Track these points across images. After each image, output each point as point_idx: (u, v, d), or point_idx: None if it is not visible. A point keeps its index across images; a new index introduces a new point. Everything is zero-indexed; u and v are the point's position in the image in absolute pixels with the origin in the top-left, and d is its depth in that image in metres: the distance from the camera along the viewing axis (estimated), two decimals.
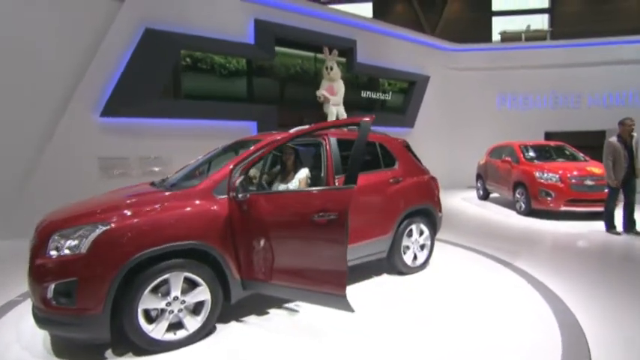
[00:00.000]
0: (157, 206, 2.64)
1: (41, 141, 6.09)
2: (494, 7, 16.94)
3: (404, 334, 2.79)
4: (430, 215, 4.23)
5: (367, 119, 2.70)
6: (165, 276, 2.51)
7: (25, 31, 5.88)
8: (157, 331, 2.52)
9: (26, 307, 3.15)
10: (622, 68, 12.04)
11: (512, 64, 12.57)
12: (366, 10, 16.74)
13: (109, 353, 2.55)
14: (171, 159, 7.07)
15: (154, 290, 2.50)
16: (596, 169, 6.94)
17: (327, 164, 3.42)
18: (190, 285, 2.64)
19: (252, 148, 3.15)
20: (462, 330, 2.84)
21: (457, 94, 12.67)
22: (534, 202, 7.19)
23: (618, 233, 5.77)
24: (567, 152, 8.32)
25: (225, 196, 2.81)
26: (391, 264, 4.03)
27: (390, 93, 11.53)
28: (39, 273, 2.39)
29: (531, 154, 8.18)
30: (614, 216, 5.88)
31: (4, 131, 5.79)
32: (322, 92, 6.67)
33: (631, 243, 5.39)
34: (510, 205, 8.22)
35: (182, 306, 2.59)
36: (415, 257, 4.13)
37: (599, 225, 6.11)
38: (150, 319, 2.53)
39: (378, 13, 16.61)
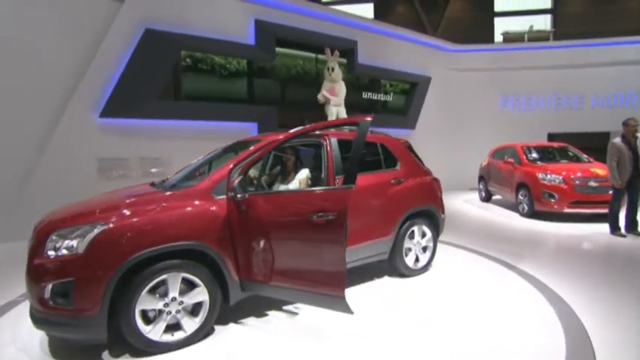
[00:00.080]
0: (154, 206, 2.63)
1: (41, 141, 6.08)
2: (497, 7, 16.92)
3: (406, 336, 2.76)
4: (432, 217, 4.19)
5: (366, 119, 2.67)
6: (163, 276, 2.49)
7: (25, 31, 5.87)
8: (155, 332, 2.49)
9: (25, 307, 3.12)
10: (626, 69, 11.97)
11: (514, 64, 12.51)
12: (367, 10, 16.72)
13: (105, 355, 2.53)
14: (172, 160, 7.05)
15: (152, 291, 2.48)
16: (600, 170, 6.88)
17: (328, 165, 3.39)
18: (188, 286, 2.61)
19: (251, 148, 3.12)
20: (465, 333, 2.80)
21: (459, 95, 12.61)
22: (537, 203, 7.13)
23: (623, 235, 5.71)
24: (570, 153, 8.25)
25: (224, 196, 2.79)
26: (392, 266, 3.99)
27: (392, 94, 11.50)
28: (36, 273, 2.38)
29: (534, 155, 8.12)
30: (619, 218, 5.82)
31: (4, 131, 5.78)
32: (323, 94, 6.65)
33: (636, 245, 5.33)
34: (513, 207, 8.17)
35: (180, 307, 2.57)
36: (417, 259, 4.08)
37: (604, 227, 6.05)
38: (147, 320, 2.51)
39: (379, 14, 16.60)
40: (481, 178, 9.95)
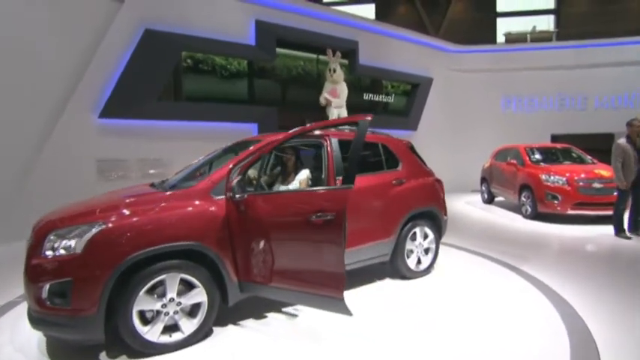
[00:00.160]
0: (153, 206, 2.61)
1: (40, 141, 6.07)
2: (499, 8, 16.83)
3: (407, 338, 2.72)
4: (435, 218, 4.14)
5: (365, 118, 2.64)
6: (161, 277, 2.47)
7: (25, 31, 5.87)
8: (152, 333, 2.47)
9: (24, 308, 3.10)
10: (629, 69, 11.90)
11: (517, 65, 12.45)
12: (369, 11, 16.68)
13: (103, 355, 2.51)
14: (172, 161, 7.01)
15: (150, 291, 2.46)
16: (604, 171, 6.81)
17: (328, 165, 3.36)
18: (187, 286, 2.59)
19: (251, 148, 3.10)
20: (468, 335, 2.76)
21: (461, 97, 12.56)
22: (540, 205, 7.08)
23: (628, 237, 5.65)
24: (574, 155, 8.19)
25: (224, 196, 2.77)
26: (394, 268, 3.95)
27: (393, 95, 11.46)
28: (34, 273, 2.37)
29: (537, 156, 8.06)
30: (624, 219, 5.77)
31: (3, 131, 5.78)
32: (325, 96, 6.62)
33: None
34: (516, 208, 8.11)
35: (178, 308, 2.55)
36: (419, 261, 4.04)
37: (608, 229, 5.98)
38: (145, 320, 2.48)
39: (380, 14, 16.53)
40: (483, 180, 9.90)
